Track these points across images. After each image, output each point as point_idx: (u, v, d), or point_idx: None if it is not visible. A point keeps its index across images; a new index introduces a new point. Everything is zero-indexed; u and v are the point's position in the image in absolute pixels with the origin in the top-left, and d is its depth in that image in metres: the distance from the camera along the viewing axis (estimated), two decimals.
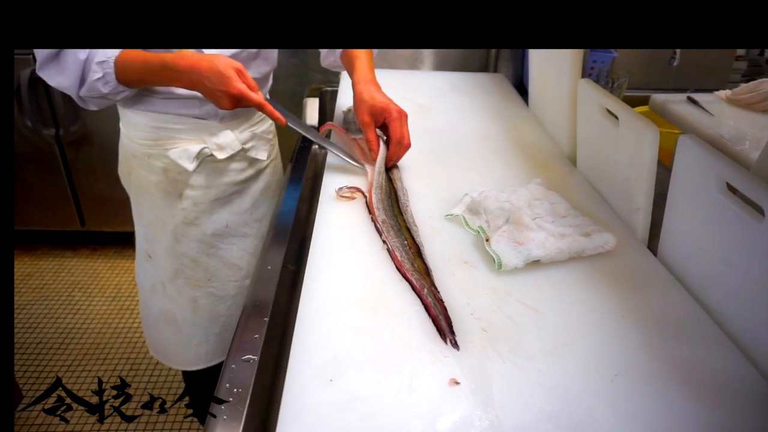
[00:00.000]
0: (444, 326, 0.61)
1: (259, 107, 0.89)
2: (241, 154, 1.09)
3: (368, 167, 0.96)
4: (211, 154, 1.04)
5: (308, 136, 0.99)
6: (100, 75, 0.88)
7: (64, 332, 1.95)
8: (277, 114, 0.91)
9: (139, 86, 0.95)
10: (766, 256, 0.57)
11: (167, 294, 1.16)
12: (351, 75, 1.02)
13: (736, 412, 0.53)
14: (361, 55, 1.02)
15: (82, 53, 0.87)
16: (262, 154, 1.13)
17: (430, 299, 0.65)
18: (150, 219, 1.12)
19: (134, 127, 1.04)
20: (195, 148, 1.03)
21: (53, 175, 2.16)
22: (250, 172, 1.12)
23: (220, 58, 0.86)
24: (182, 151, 1.03)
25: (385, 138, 1.00)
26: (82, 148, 2.12)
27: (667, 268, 0.74)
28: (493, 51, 1.70)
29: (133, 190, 1.12)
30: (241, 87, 0.86)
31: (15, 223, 2.00)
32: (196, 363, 1.21)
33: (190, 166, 1.03)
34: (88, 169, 2.17)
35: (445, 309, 0.64)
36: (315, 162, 1.26)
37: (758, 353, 0.59)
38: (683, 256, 0.72)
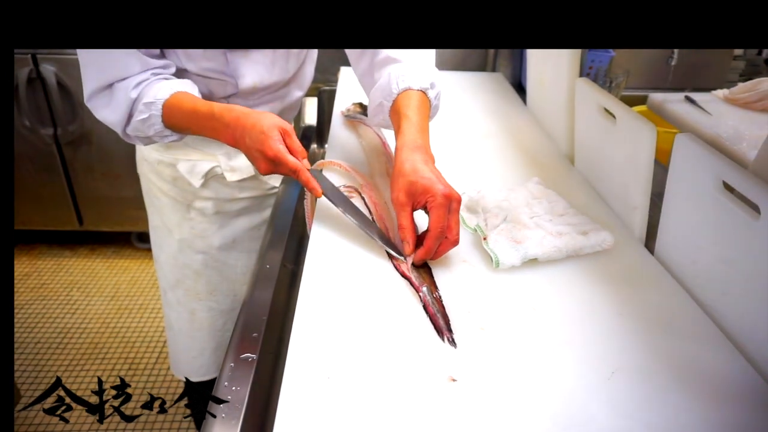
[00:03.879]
0: (442, 324, 0.61)
1: (294, 174, 0.76)
2: (253, 178, 1.05)
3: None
4: (222, 174, 1.01)
5: (347, 216, 0.77)
6: (146, 116, 0.83)
7: (62, 332, 1.95)
8: (313, 184, 0.77)
9: (185, 133, 0.88)
10: (762, 254, 0.57)
11: (167, 301, 1.16)
12: (396, 136, 0.80)
13: (732, 409, 0.54)
14: (410, 114, 0.80)
15: (134, 92, 0.82)
16: (275, 180, 1.08)
17: (428, 297, 0.65)
18: (157, 224, 1.11)
19: None
20: (205, 165, 1.00)
21: (51, 174, 2.16)
22: (263, 193, 1.10)
23: (267, 116, 0.77)
24: (191, 165, 1.00)
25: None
26: (80, 147, 2.12)
27: (664, 267, 0.74)
28: (492, 50, 1.70)
29: (144, 192, 1.11)
30: (278, 149, 0.75)
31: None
32: (190, 374, 1.19)
33: (197, 182, 1.00)
34: (86, 169, 2.17)
35: (443, 307, 0.64)
36: (313, 160, 1.26)
37: (755, 351, 0.59)
38: (680, 255, 0.72)
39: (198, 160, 1.00)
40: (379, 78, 0.88)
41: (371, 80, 0.91)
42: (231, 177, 1.01)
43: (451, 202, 0.69)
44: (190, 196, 1.04)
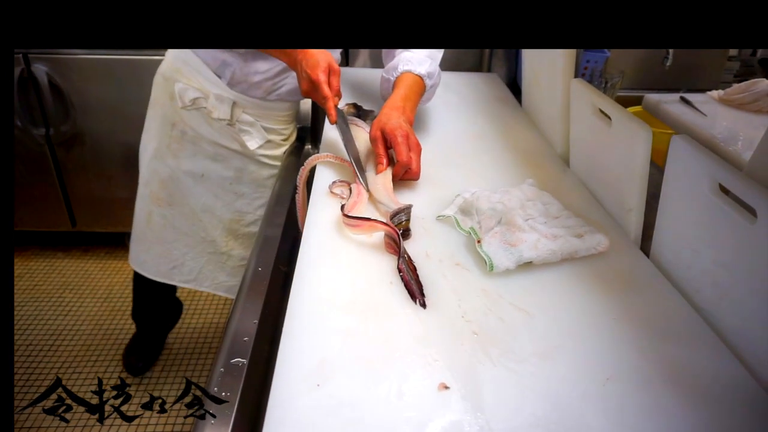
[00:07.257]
0: (415, 289, 0.66)
1: (324, 100, 0.94)
2: (231, 131, 1.16)
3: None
4: (205, 108, 1.13)
5: (347, 151, 0.96)
6: None
7: (54, 334, 1.93)
8: (332, 112, 0.95)
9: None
10: (758, 257, 0.56)
11: (138, 194, 1.31)
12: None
13: (727, 415, 0.53)
14: (402, 87, 1.03)
15: None
16: (252, 143, 1.18)
17: (404, 266, 0.69)
18: (147, 127, 1.25)
19: (169, 51, 1.19)
20: (195, 93, 1.13)
21: (44, 175, 2.14)
22: (240, 149, 1.19)
23: (324, 53, 0.96)
24: (185, 89, 1.13)
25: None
26: (72, 148, 2.10)
27: (660, 270, 0.74)
28: (487, 51, 1.69)
29: (150, 99, 1.24)
30: (321, 78, 0.93)
31: None
32: (134, 262, 1.37)
33: (181, 103, 1.13)
34: (79, 170, 2.15)
35: (417, 275, 0.69)
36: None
37: (750, 355, 0.59)
38: (676, 258, 0.71)
39: (193, 87, 1.13)
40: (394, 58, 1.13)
41: (391, 58, 1.15)
42: (213, 112, 1.14)
43: (407, 141, 0.91)
44: (177, 117, 1.17)
